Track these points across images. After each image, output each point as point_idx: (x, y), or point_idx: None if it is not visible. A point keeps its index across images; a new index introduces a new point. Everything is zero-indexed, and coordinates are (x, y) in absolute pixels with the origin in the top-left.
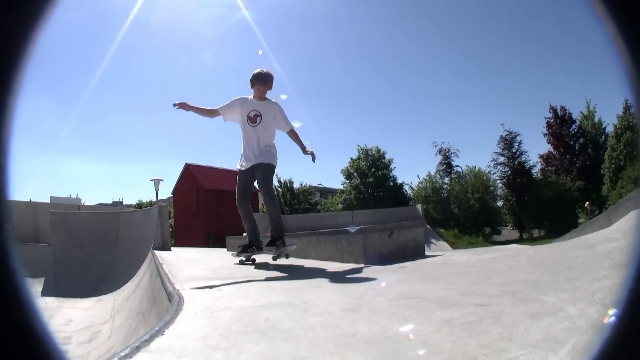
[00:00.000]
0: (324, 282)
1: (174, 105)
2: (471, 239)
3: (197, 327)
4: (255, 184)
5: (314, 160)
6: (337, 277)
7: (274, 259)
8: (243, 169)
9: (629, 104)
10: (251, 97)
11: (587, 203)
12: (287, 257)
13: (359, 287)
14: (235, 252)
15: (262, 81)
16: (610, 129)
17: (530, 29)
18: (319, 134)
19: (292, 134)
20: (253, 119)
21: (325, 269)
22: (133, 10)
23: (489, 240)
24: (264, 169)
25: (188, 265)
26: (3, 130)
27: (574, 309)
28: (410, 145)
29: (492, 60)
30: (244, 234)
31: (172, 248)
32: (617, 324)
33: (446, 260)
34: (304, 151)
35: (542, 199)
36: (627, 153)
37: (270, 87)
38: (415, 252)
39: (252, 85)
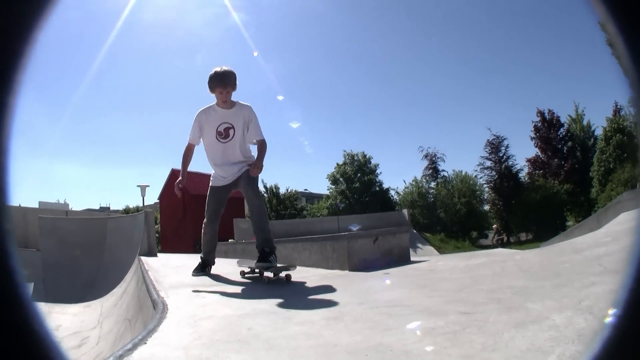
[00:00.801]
0: (308, 289)
1: (178, 192)
2: (458, 243)
3: (180, 336)
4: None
5: (251, 174)
6: (322, 284)
7: (274, 276)
8: (218, 185)
9: (618, 107)
10: (215, 105)
11: (494, 225)
12: (288, 279)
13: (342, 294)
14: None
15: (221, 82)
16: (599, 132)
17: (518, 32)
18: (306, 138)
19: (259, 144)
20: (224, 134)
21: (310, 276)
22: (123, 12)
23: (476, 244)
24: (249, 177)
25: (174, 272)
26: (3, 130)
27: (560, 317)
28: (396, 150)
29: (478, 64)
30: (230, 240)
31: (159, 254)
32: (617, 324)
33: (431, 266)
34: (254, 165)
35: (529, 203)
36: (617, 156)
37: (234, 88)
38: (401, 258)
39: (212, 91)
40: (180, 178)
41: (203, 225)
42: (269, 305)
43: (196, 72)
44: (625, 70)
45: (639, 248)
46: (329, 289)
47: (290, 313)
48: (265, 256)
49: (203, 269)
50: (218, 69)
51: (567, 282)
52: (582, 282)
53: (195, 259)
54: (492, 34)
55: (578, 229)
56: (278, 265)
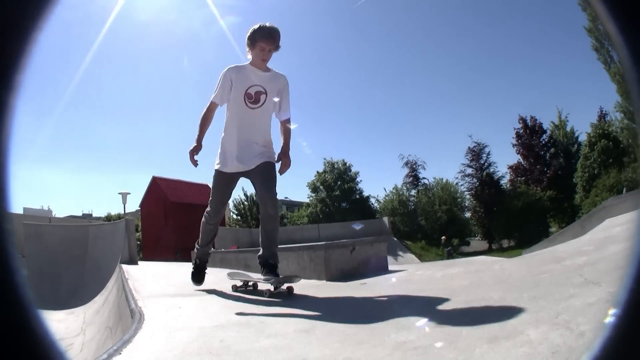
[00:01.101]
0: (283, 300)
1: (194, 161)
2: (439, 251)
3: (154, 348)
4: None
5: (281, 172)
6: (298, 295)
7: (275, 289)
8: (227, 170)
9: (604, 112)
10: (248, 64)
11: (443, 237)
12: (290, 292)
13: (317, 305)
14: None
15: (268, 37)
16: (583, 138)
17: (500, 37)
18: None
19: (286, 125)
20: (254, 98)
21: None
22: (109, 17)
23: (457, 252)
24: (268, 170)
25: (153, 280)
26: (3, 130)
27: (536, 332)
28: (376, 158)
29: (460, 71)
30: (211, 249)
31: (140, 262)
32: (617, 324)
33: (409, 277)
34: (283, 156)
35: (511, 210)
36: (602, 161)
37: (277, 48)
38: (378, 268)
39: (253, 45)
40: (195, 144)
41: (205, 214)
42: (244, 316)
43: (181, 78)
44: (624, 70)
45: (638, 248)
46: (305, 299)
47: (264, 325)
48: (273, 269)
49: (201, 274)
50: (262, 23)
51: (544, 294)
52: (561, 294)
53: (174, 268)
54: (474, 40)
55: (561, 236)
56: (283, 277)
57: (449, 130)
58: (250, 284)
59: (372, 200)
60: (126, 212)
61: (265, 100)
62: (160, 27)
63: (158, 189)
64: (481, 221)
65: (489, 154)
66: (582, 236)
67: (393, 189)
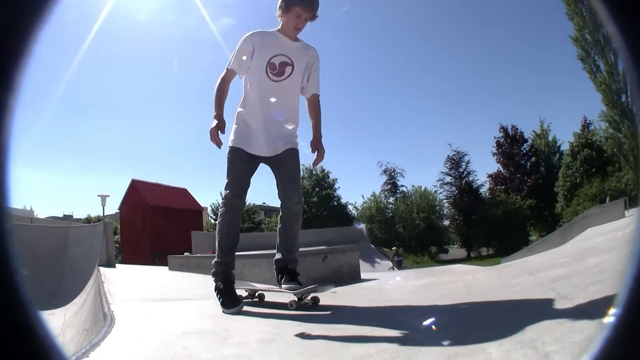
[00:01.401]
0: (252, 307)
1: (218, 140)
2: (417, 258)
3: (119, 352)
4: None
5: (315, 165)
6: (266, 303)
7: (299, 300)
8: (249, 150)
9: (587, 121)
10: (276, 31)
11: (394, 248)
12: (315, 303)
13: (284, 314)
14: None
15: (307, 2)
16: (565, 148)
17: (483, 47)
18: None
19: (315, 103)
20: (278, 69)
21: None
22: (99, 18)
23: (435, 259)
24: (294, 161)
25: (129, 284)
26: (3, 130)
27: (498, 350)
28: (355, 165)
29: (440, 79)
30: (185, 253)
31: (117, 265)
32: (617, 324)
33: (380, 286)
34: (317, 144)
35: (490, 218)
36: (584, 170)
37: (315, 17)
38: (350, 276)
39: (287, 10)
40: (215, 121)
41: (223, 202)
42: (210, 323)
43: (167, 81)
44: (625, 70)
45: (638, 247)
46: (273, 307)
47: (228, 333)
48: (294, 277)
49: (231, 295)
50: None
51: (513, 308)
52: (530, 309)
53: (151, 272)
54: (456, 48)
55: (541, 244)
56: (309, 286)
57: (428, 139)
58: (257, 294)
59: (350, 207)
60: (105, 214)
61: (291, 72)
62: (150, 30)
63: (137, 192)
64: (460, 229)
65: (468, 162)
66: (562, 245)
67: (371, 196)
